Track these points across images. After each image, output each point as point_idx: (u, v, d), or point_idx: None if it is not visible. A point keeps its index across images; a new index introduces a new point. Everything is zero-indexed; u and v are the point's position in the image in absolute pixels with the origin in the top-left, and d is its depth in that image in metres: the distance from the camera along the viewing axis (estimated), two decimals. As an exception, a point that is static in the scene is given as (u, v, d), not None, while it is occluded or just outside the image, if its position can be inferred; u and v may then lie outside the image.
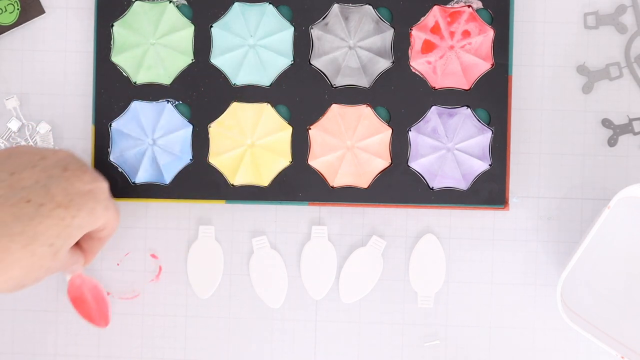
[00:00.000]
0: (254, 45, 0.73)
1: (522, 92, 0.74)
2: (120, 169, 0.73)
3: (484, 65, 0.72)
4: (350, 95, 0.73)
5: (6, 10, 0.73)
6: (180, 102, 0.73)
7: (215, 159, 0.73)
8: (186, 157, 0.73)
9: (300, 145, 0.73)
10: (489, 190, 0.72)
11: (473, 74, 0.73)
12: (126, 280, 0.74)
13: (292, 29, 0.73)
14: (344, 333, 0.74)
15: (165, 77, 0.73)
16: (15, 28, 0.74)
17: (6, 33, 0.74)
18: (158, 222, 0.74)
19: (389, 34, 0.73)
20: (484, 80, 0.72)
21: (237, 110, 0.73)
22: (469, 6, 0.72)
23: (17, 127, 0.74)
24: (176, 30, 0.73)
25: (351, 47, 0.73)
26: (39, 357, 0.74)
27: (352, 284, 0.74)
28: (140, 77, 0.73)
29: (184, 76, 0.73)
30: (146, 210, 0.74)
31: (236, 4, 0.73)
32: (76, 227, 0.63)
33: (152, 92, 0.73)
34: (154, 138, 0.73)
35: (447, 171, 0.72)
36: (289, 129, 0.73)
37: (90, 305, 0.73)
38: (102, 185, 0.66)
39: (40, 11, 0.74)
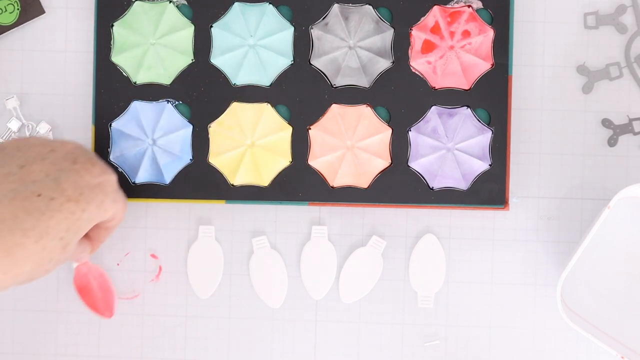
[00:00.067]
0: (254, 45, 0.73)
1: (522, 92, 0.74)
2: (120, 169, 0.73)
3: (484, 65, 0.72)
4: (350, 95, 0.73)
5: (6, 10, 0.73)
6: (180, 102, 0.73)
7: (215, 159, 0.73)
8: (186, 157, 0.73)
9: (300, 145, 0.73)
10: (489, 190, 0.72)
11: (473, 74, 0.73)
12: (126, 280, 0.74)
13: (292, 29, 0.73)
14: (344, 333, 0.74)
15: (165, 77, 0.73)
16: (15, 28, 0.74)
17: (6, 33, 0.74)
18: (158, 222, 0.74)
19: (389, 34, 0.73)
20: (484, 80, 0.72)
21: (237, 110, 0.73)
22: (469, 6, 0.72)
23: (17, 127, 0.74)
24: (176, 30, 0.73)
25: (351, 47, 0.73)
26: (39, 357, 0.74)
27: (352, 284, 0.74)
28: (140, 77, 0.73)
29: (184, 76, 0.73)
30: (146, 210, 0.74)
31: (236, 4, 0.73)
32: (85, 220, 0.64)
33: (152, 92, 0.73)
34: (154, 138, 0.73)
35: (447, 171, 0.72)
36: (289, 129, 0.73)
37: (95, 295, 0.73)
38: (111, 178, 0.66)
39: (40, 11, 0.74)
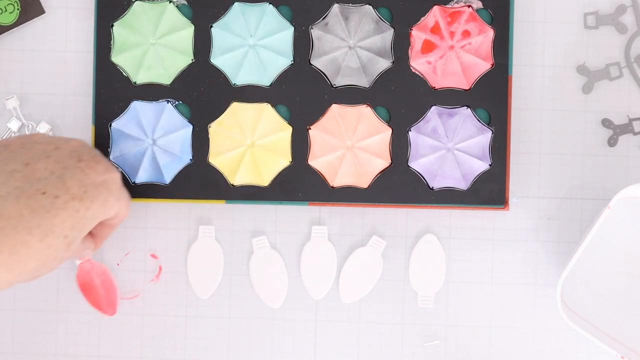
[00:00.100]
0: (254, 45, 0.73)
1: (522, 92, 0.74)
2: (120, 169, 0.73)
3: (484, 65, 0.72)
4: (350, 95, 0.73)
5: (6, 10, 0.73)
6: (180, 102, 0.73)
7: (215, 159, 0.73)
8: (186, 157, 0.73)
9: (300, 145, 0.73)
10: (489, 190, 0.72)
11: (473, 74, 0.73)
12: (126, 280, 0.74)
13: (292, 29, 0.73)
14: (344, 333, 0.74)
15: (165, 77, 0.73)
16: (15, 28, 0.74)
17: (6, 33, 0.74)
18: (158, 222, 0.74)
19: (389, 34, 0.73)
20: (484, 80, 0.72)
21: (237, 110, 0.73)
22: (469, 6, 0.72)
23: (17, 127, 0.74)
24: (176, 30, 0.73)
25: (351, 47, 0.73)
26: (39, 357, 0.74)
27: (352, 284, 0.74)
28: (140, 77, 0.73)
29: (184, 76, 0.73)
30: (146, 210, 0.74)
31: (236, 4, 0.73)
32: (90, 218, 0.64)
33: (152, 92, 0.73)
34: (154, 138, 0.73)
35: (447, 171, 0.72)
36: (289, 129, 0.73)
37: (98, 292, 0.73)
38: (115, 176, 0.67)
39: (40, 11, 0.74)
